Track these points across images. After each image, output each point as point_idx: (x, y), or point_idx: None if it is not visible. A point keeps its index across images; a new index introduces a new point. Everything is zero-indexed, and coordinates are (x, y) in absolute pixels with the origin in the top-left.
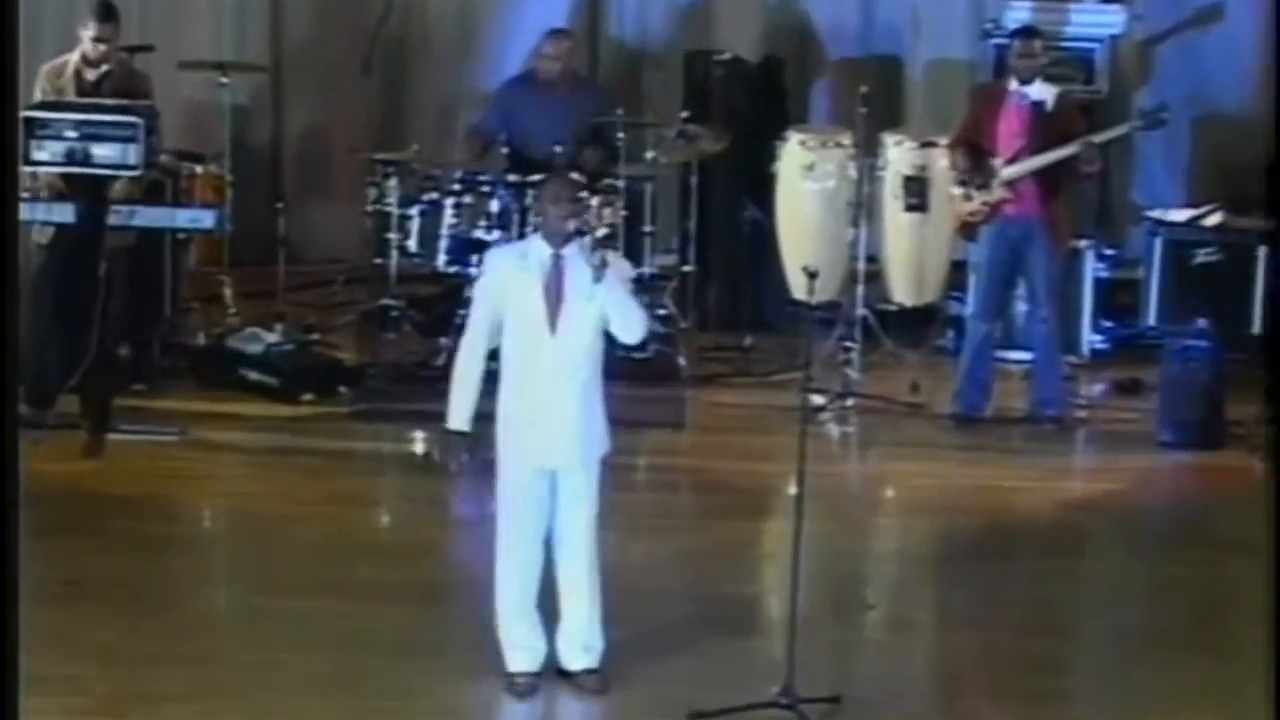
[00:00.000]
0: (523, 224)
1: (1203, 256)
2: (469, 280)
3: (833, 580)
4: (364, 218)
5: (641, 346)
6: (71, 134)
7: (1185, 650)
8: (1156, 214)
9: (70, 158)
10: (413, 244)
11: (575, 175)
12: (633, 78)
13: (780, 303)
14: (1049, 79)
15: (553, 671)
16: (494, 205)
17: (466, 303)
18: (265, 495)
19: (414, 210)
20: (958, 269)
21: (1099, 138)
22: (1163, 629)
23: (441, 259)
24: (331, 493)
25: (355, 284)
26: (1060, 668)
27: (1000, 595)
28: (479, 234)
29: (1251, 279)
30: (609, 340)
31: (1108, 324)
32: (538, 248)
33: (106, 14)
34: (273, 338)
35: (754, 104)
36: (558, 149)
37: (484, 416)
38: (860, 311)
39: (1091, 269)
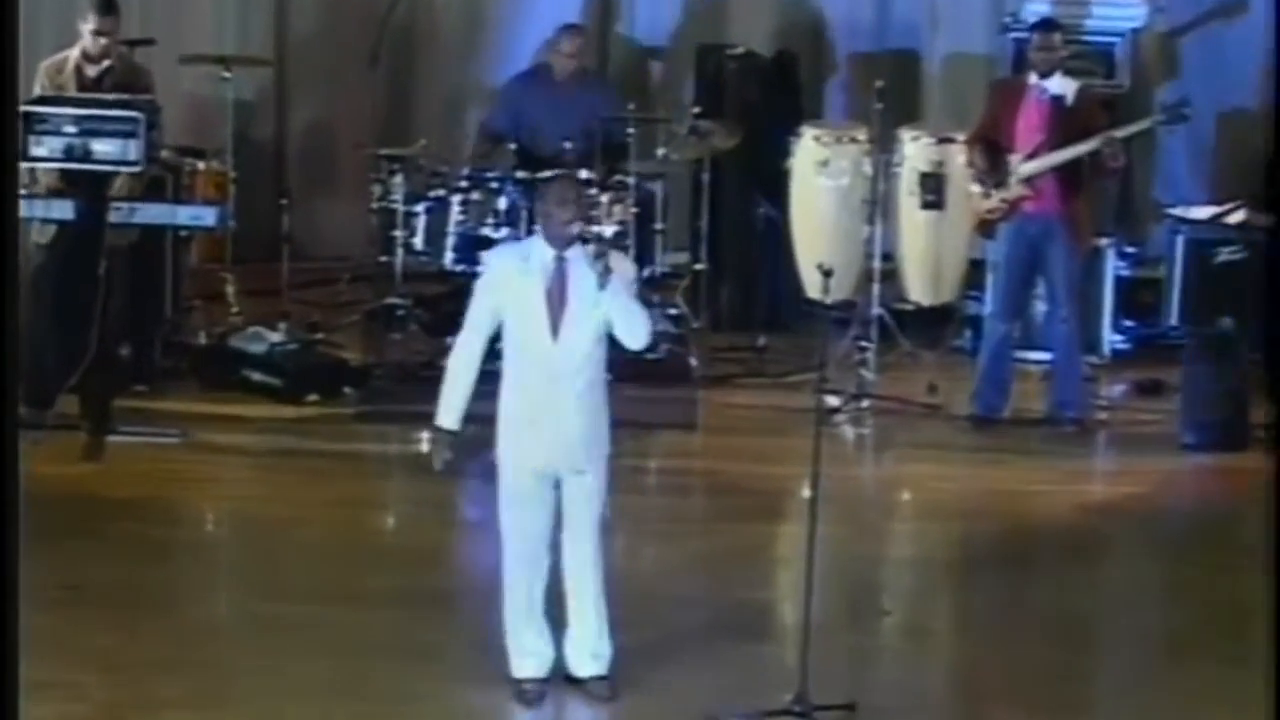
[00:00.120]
0: (531, 221)
1: (1226, 255)
2: (476, 279)
3: (848, 585)
4: (369, 215)
5: (652, 347)
6: (70, 129)
7: (1208, 657)
8: (1179, 211)
9: (69, 154)
10: (419, 242)
11: (585, 172)
12: (643, 73)
13: (794, 302)
14: (1069, 73)
15: (561, 678)
16: (502, 202)
17: None
18: (268, 498)
19: (420, 207)
20: (975, 267)
21: (1120, 133)
22: (1185, 635)
23: (448, 257)
24: (336, 496)
25: (360, 282)
26: (1080, 676)
27: (1019, 601)
28: (486, 231)
29: (1276, 277)
30: (617, 342)
31: (1129, 324)
32: (540, 250)
33: (107, 8)
34: (276, 337)
35: (767, 99)
36: (567, 145)
37: (485, 419)
38: (876, 311)
39: (1112, 267)
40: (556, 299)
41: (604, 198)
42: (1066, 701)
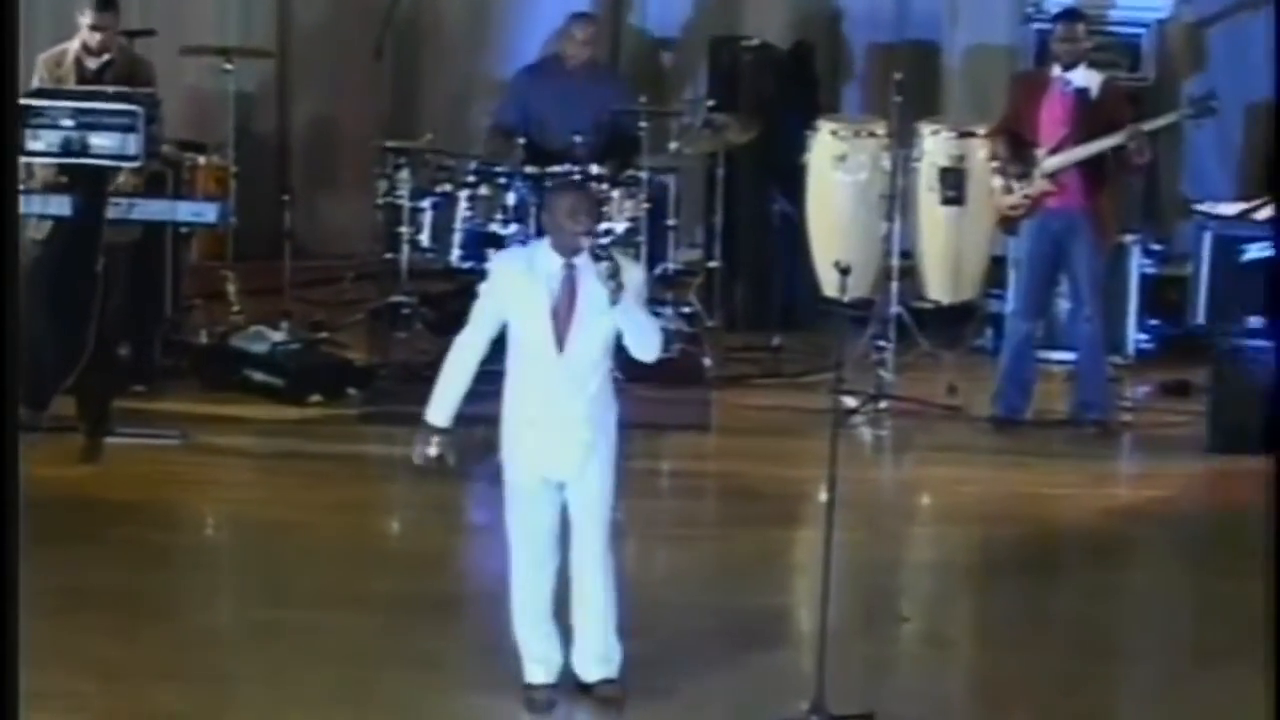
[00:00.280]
0: (540, 217)
1: (1254, 252)
2: (484, 276)
3: (865, 592)
4: (374, 211)
5: (665, 347)
6: (68, 123)
7: (1234, 665)
8: (1206, 207)
9: (67, 148)
10: (425, 238)
11: (595, 167)
12: (656, 65)
13: (810, 300)
14: (1093, 65)
15: (572, 686)
16: (510, 198)
17: None
18: (270, 502)
19: (426, 203)
20: (997, 265)
21: (1146, 127)
22: (1212, 644)
23: (455, 254)
24: (340, 499)
25: (365, 280)
26: (1103, 684)
27: (1041, 608)
28: (494, 228)
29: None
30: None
31: (1154, 322)
32: (546, 257)
33: (105, 3)
34: (278, 337)
35: (783, 92)
36: (577, 139)
37: (491, 419)
38: (894, 309)
39: (1137, 265)
40: (564, 311)
41: (615, 193)
42: (1088, 711)
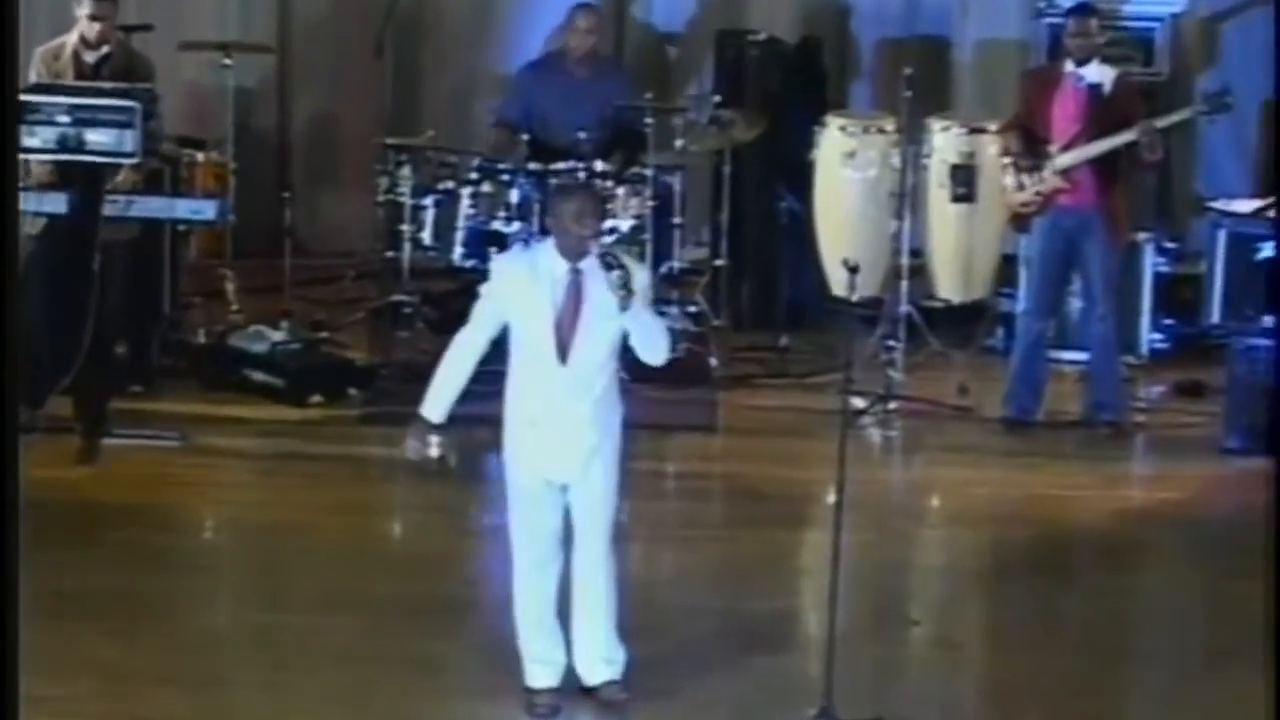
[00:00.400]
0: (544, 215)
1: (1270, 250)
2: (487, 275)
3: (874, 595)
4: (375, 208)
5: (670, 346)
6: (64, 119)
7: (1250, 671)
8: (1220, 205)
9: (63, 144)
10: (427, 236)
11: (600, 164)
12: (661, 60)
13: (818, 300)
14: (1107, 60)
15: (574, 691)
16: (514, 195)
17: None
18: (270, 504)
19: (428, 200)
20: (1008, 263)
21: (1160, 123)
22: (1226, 648)
23: (458, 252)
24: (341, 501)
25: (366, 279)
26: (1117, 690)
27: (1053, 611)
28: (497, 226)
29: (1273, 275)
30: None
31: (1168, 322)
32: (550, 260)
33: None
34: (278, 336)
35: (791, 88)
36: (581, 135)
37: (495, 421)
38: (904, 309)
39: (1151, 263)
40: (568, 319)
41: (620, 191)
42: (1100, 716)
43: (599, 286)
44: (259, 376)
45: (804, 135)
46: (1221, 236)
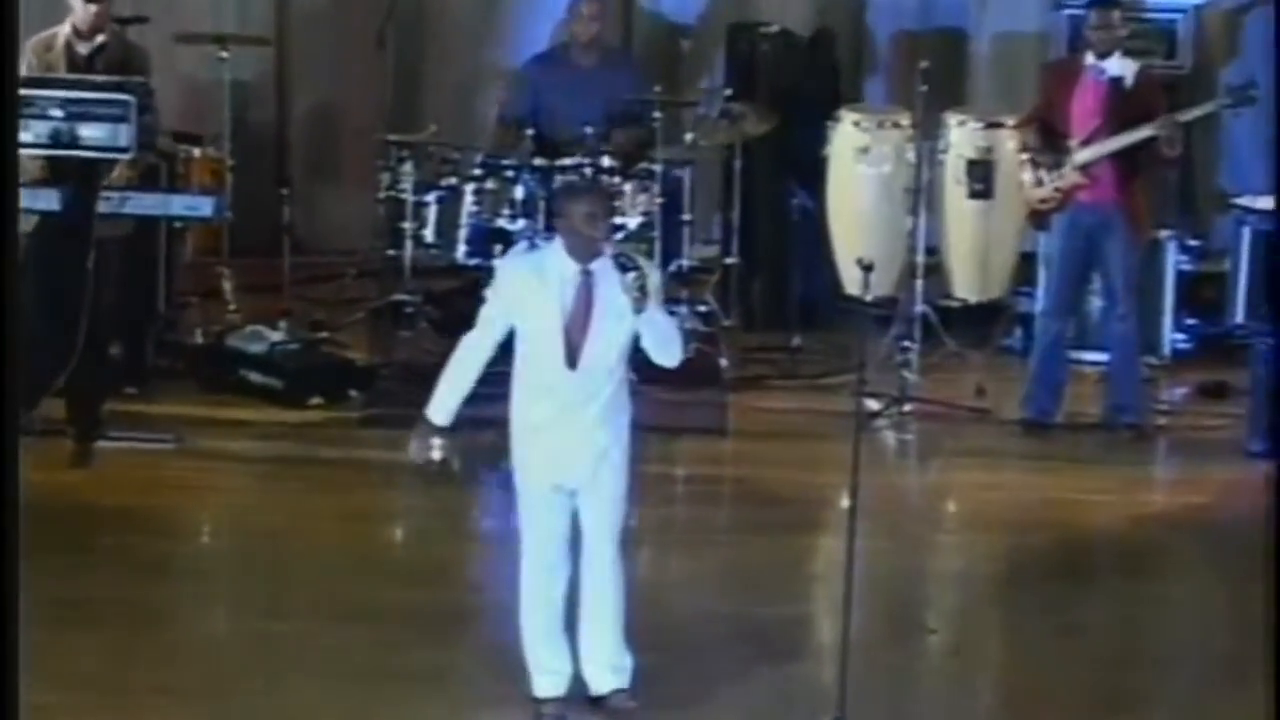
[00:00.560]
0: (549, 212)
1: None
2: (490, 274)
3: (889, 601)
4: (376, 205)
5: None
6: (57, 113)
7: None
8: (1245, 201)
9: (56, 139)
10: (429, 234)
11: (607, 159)
12: (671, 52)
13: (832, 299)
14: (1128, 53)
15: (582, 700)
16: (518, 192)
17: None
18: (268, 509)
19: (431, 197)
20: (1026, 261)
21: (1182, 116)
22: (1250, 657)
23: (461, 250)
24: (341, 506)
25: (367, 278)
26: (1138, 700)
27: (1072, 619)
28: (502, 223)
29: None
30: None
31: (1191, 321)
32: (560, 262)
33: None
34: (277, 336)
35: (803, 81)
36: (588, 130)
37: (501, 423)
38: (919, 308)
39: (1173, 261)
40: (578, 323)
41: (627, 187)
42: None
43: (610, 288)
44: (257, 378)
45: (817, 130)
46: (1246, 234)
